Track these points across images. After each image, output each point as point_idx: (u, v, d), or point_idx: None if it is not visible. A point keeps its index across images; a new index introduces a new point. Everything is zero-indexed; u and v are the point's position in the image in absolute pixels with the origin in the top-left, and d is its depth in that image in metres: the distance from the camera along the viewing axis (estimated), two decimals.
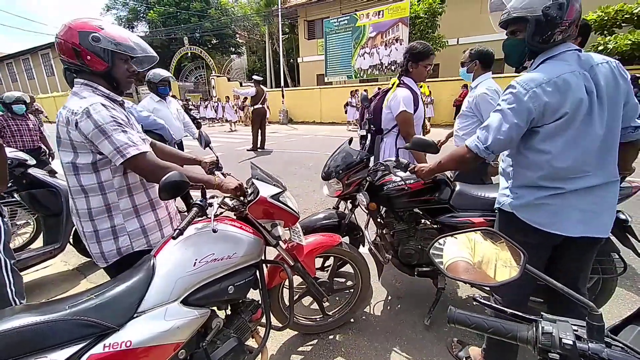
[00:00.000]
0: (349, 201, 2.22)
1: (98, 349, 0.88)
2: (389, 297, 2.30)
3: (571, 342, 0.47)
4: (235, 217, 1.39)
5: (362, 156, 2.05)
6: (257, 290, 1.44)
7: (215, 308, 1.26)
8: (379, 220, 2.17)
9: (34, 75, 32.64)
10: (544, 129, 1.18)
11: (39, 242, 2.84)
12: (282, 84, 16.65)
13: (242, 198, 1.39)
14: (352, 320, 2.05)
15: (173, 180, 1.07)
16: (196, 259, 1.10)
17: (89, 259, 2.89)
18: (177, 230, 1.05)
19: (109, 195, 1.24)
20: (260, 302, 1.45)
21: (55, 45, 1.21)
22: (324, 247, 1.74)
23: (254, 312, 1.41)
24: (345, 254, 1.88)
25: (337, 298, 2.20)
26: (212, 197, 1.36)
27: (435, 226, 2.03)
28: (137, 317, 0.96)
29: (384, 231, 2.19)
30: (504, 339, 0.54)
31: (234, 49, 29.60)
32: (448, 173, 2.08)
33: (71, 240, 2.67)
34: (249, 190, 1.43)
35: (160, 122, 3.07)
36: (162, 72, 3.63)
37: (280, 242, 1.45)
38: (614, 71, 1.16)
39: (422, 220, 2.09)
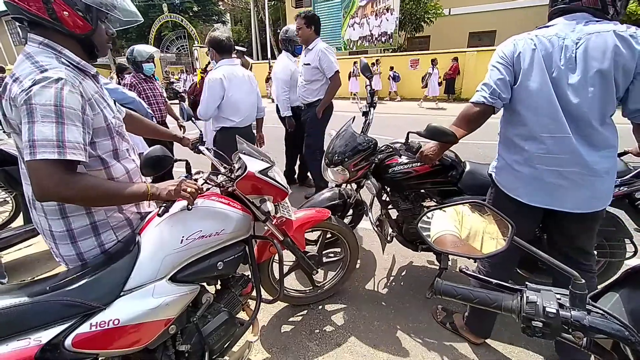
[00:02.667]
0: (353, 183, 2.18)
1: (84, 327, 0.87)
2: (377, 269, 2.36)
3: (554, 311, 0.48)
4: (222, 194, 1.36)
5: (369, 141, 1.97)
6: (247, 265, 1.45)
7: (205, 284, 1.26)
8: (383, 199, 2.15)
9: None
10: (515, 87, 1.27)
11: (19, 221, 2.76)
12: (269, 55, 16.04)
13: (229, 174, 1.35)
14: (341, 291, 2.12)
15: (155, 155, 1.04)
16: (183, 236, 1.09)
17: None
18: (163, 207, 1.02)
19: None
20: (250, 276, 1.46)
21: None
22: (314, 222, 1.75)
23: (244, 286, 1.42)
24: (334, 228, 1.90)
25: (324, 270, 2.25)
26: (198, 172, 1.33)
27: None
28: (123, 295, 0.95)
29: (389, 209, 2.17)
30: (490, 308, 0.55)
31: (217, 18, 28.06)
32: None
33: None
34: (236, 166, 1.39)
35: (132, 94, 2.74)
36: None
37: (270, 218, 1.45)
38: (611, 43, 1.09)
39: (428, 200, 2.07)
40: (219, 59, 2.61)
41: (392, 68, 12.35)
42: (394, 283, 2.20)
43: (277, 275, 1.73)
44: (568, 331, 0.48)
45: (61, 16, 0.90)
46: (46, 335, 0.83)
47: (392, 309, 1.97)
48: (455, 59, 11.59)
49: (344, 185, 2.29)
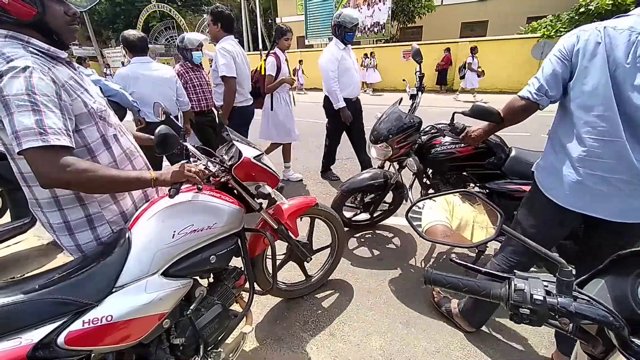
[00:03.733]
0: (395, 162, 2.19)
1: (77, 325, 0.86)
2: (369, 259, 2.38)
3: (541, 298, 0.48)
4: (214, 187, 1.35)
5: (414, 120, 1.98)
6: (240, 258, 1.45)
7: (197, 277, 1.26)
8: (424, 181, 2.15)
9: None
10: (570, 82, 1.18)
11: (7, 218, 2.70)
12: (260, 46, 15.79)
13: (222, 163, 1.35)
14: (334, 283, 2.13)
15: (162, 133, 1.03)
16: (174, 231, 1.08)
17: None
18: (173, 189, 1.03)
19: None
20: (243, 269, 1.46)
21: None
22: (304, 208, 1.76)
23: (237, 278, 1.42)
24: (322, 214, 1.93)
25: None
26: (196, 161, 1.34)
27: (484, 191, 1.96)
28: (115, 291, 0.95)
29: (429, 192, 2.18)
30: (479, 296, 0.56)
31: (206, 7, 27.41)
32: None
33: None
34: (227, 156, 1.40)
35: (114, 86, 2.65)
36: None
37: (263, 207, 1.46)
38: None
39: (470, 184, 2.05)
40: (132, 57, 2.83)
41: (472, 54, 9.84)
42: (386, 273, 2.22)
43: (269, 267, 1.74)
44: (555, 317, 0.49)
45: (2, 4, 0.87)
46: (38, 334, 0.81)
47: (384, 299, 1.99)
48: (448, 49, 11.57)
49: (386, 167, 2.33)
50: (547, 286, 0.51)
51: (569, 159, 1.20)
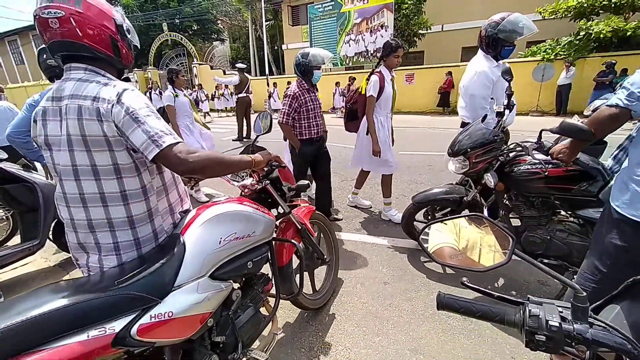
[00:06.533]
0: (473, 179, 2.12)
1: (146, 319, 0.95)
2: (375, 282, 2.34)
3: (557, 324, 0.48)
4: (247, 197, 1.52)
5: (495, 135, 1.93)
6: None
7: (232, 281, 1.35)
8: (505, 202, 2.04)
9: (1, 64, 30.80)
10: None
11: (17, 239, 2.73)
12: (267, 71, 16.31)
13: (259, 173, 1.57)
14: (339, 306, 2.09)
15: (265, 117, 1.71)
16: (221, 238, 1.18)
17: (70, 255, 2.80)
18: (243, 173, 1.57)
19: (151, 199, 1.11)
20: (270, 275, 1.57)
21: (70, 20, 0.93)
22: (310, 212, 1.90)
23: (265, 284, 1.53)
24: (320, 218, 2.01)
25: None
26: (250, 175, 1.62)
27: (575, 220, 1.79)
28: (174, 290, 1.03)
29: (510, 216, 2.05)
30: (492, 322, 0.55)
31: (216, 36, 28.64)
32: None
33: (51, 236, 2.57)
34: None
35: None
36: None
37: (291, 211, 1.68)
38: None
39: (559, 211, 1.88)
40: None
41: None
42: (393, 297, 2.17)
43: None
44: (571, 344, 0.48)
45: (122, 54, 1.10)
46: (118, 325, 0.91)
47: (392, 324, 1.93)
48: (450, 73, 11.83)
49: (461, 182, 2.24)
50: (562, 312, 0.50)
51: None
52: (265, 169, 1.55)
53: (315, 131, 2.99)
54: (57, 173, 1.04)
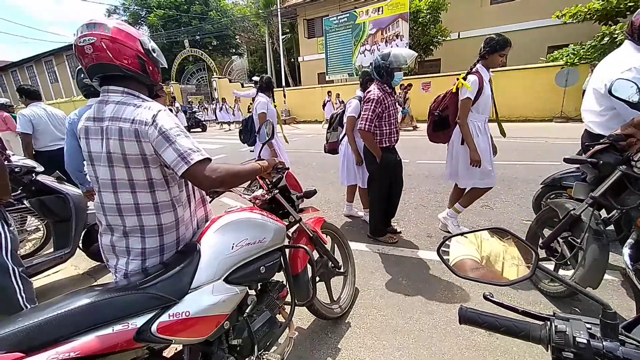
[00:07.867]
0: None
1: (165, 317, 1.02)
2: (395, 295, 2.30)
3: (585, 341, 0.47)
4: (257, 206, 1.56)
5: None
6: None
7: (247, 287, 1.39)
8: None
9: (38, 83, 33.00)
10: None
11: (49, 248, 2.88)
12: (283, 83, 16.66)
13: (268, 182, 1.64)
14: (359, 319, 2.06)
15: (268, 125, 1.73)
16: (233, 243, 1.24)
17: (98, 263, 2.93)
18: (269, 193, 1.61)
19: (178, 210, 1.22)
20: (285, 282, 1.61)
21: (101, 45, 1.04)
22: (321, 222, 1.95)
23: (280, 290, 1.57)
24: (332, 228, 2.04)
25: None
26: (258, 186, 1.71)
27: None
28: (191, 292, 1.10)
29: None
30: (517, 337, 0.54)
31: (234, 50, 29.64)
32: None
33: (81, 245, 2.70)
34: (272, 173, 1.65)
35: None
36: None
37: (301, 218, 1.72)
38: None
39: None
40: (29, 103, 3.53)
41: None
42: (414, 310, 2.13)
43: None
44: None
45: (149, 71, 1.18)
46: (140, 321, 0.98)
47: (413, 338, 1.89)
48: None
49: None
50: (590, 329, 0.49)
51: None
52: (273, 176, 1.62)
53: (395, 138, 2.77)
54: (98, 185, 1.16)
